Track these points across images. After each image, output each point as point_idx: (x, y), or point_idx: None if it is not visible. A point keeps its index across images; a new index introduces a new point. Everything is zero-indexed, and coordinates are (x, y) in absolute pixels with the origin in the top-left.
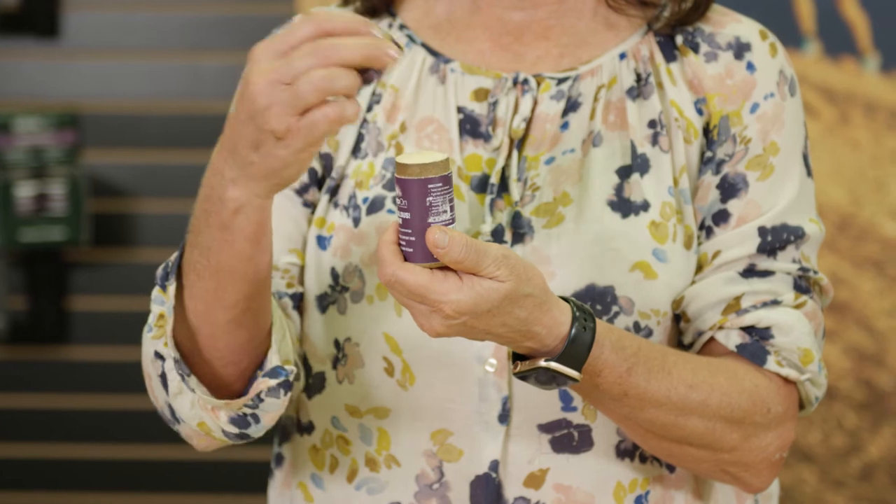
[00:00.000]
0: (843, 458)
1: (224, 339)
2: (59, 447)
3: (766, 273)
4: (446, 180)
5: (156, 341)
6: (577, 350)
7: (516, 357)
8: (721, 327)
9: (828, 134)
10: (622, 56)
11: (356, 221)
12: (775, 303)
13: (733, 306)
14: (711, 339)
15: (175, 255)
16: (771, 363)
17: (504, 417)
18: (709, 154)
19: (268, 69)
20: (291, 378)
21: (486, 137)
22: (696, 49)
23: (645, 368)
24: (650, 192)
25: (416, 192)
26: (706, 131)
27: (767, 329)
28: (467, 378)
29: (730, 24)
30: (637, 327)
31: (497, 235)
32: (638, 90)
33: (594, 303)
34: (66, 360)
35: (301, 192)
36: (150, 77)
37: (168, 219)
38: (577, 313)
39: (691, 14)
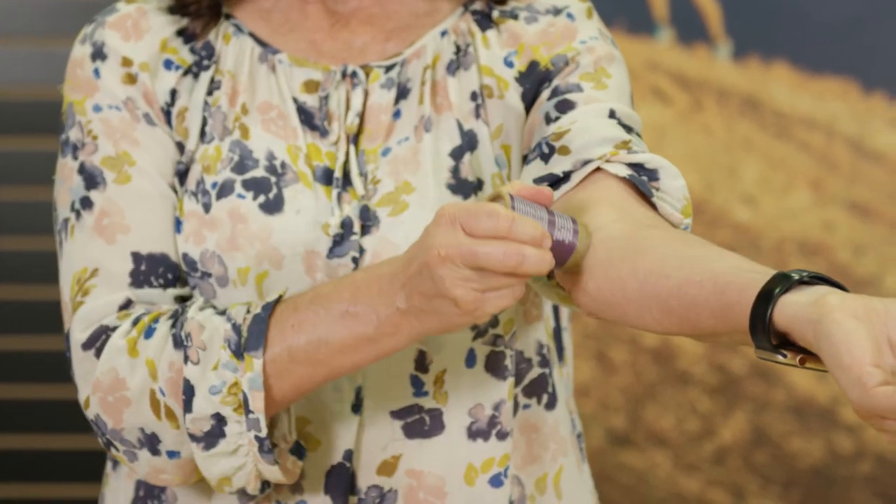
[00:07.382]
0: (696, 442)
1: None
2: None
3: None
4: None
5: (224, 406)
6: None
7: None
8: (609, 160)
9: (681, 120)
10: (444, 34)
11: (206, 207)
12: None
13: (624, 145)
14: (597, 168)
15: (253, 321)
16: (657, 198)
17: (357, 407)
18: (545, 85)
19: (462, 280)
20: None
21: (323, 132)
22: (515, 18)
23: None
24: (482, 169)
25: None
26: (529, 75)
27: (655, 171)
28: None
29: None
30: None
31: (347, 227)
32: (457, 63)
33: None
34: None
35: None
36: (4, 62)
37: (24, 206)
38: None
39: None
